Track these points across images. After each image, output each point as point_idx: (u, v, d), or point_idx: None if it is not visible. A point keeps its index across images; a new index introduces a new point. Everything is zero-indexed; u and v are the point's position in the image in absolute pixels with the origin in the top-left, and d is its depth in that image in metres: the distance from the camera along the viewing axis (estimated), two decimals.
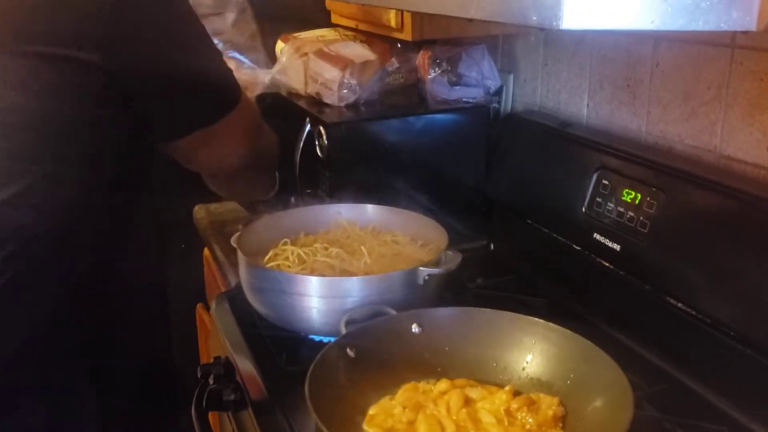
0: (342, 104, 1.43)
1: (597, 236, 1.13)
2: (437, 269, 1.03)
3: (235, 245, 1.12)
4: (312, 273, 1.09)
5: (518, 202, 1.37)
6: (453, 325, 0.96)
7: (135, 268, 1.15)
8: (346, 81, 1.41)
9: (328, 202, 1.33)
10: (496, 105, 1.47)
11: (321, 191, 1.39)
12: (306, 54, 1.52)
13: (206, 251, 1.69)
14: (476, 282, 1.26)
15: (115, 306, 1.05)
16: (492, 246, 1.43)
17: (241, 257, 1.10)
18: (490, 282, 1.27)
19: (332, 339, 0.92)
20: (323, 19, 1.70)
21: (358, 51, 1.48)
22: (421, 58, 1.47)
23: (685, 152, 1.12)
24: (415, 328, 0.94)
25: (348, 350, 0.89)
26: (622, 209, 1.09)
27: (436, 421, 0.82)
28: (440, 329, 0.95)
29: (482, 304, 1.00)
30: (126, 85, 0.94)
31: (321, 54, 1.49)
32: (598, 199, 1.14)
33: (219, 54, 1.16)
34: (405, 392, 0.88)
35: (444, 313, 0.97)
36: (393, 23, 1.39)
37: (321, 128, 1.34)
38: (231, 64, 1.27)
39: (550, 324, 0.91)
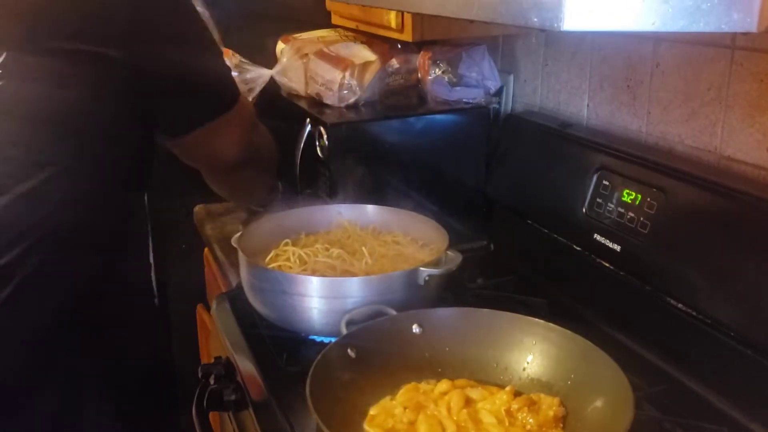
0: (342, 105, 1.43)
1: (597, 237, 1.13)
2: (438, 270, 1.03)
3: (235, 245, 1.12)
4: (313, 273, 1.09)
5: (518, 202, 1.37)
6: (453, 325, 0.96)
7: (135, 268, 1.15)
8: (346, 82, 1.41)
9: (328, 202, 1.33)
10: (496, 105, 1.47)
11: (321, 191, 1.39)
12: (306, 55, 1.52)
13: (206, 251, 1.69)
14: (476, 282, 1.26)
15: (115, 306, 1.06)
16: (492, 246, 1.43)
17: (241, 257, 1.10)
18: (491, 282, 1.27)
19: (333, 339, 0.92)
20: (323, 20, 1.70)
21: (359, 52, 1.48)
22: (422, 59, 1.47)
23: (686, 153, 1.12)
24: (415, 329, 0.95)
25: (349, 350, 0.89)
26: (622, 210, 1.09)
27: (437, 421, 0.83)
28: (441, 329, 0.95)
29: (482, 304, 1.00)
30: (143, 81, 0.96)
31: (321, 55, 1.49)
32: (598, 200, 1.14)
33: (221, 53, 1.17)
34: (405, 392, 0.88)
35: (444, 313, 0.97)
36: (393, 24, 1.39)
37: (321, 129, 1.34)
38: None
39: (551, 324, 0.91)
